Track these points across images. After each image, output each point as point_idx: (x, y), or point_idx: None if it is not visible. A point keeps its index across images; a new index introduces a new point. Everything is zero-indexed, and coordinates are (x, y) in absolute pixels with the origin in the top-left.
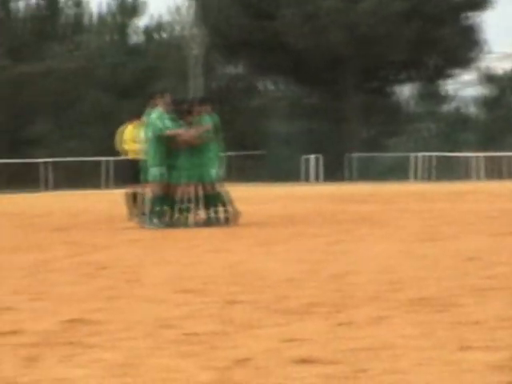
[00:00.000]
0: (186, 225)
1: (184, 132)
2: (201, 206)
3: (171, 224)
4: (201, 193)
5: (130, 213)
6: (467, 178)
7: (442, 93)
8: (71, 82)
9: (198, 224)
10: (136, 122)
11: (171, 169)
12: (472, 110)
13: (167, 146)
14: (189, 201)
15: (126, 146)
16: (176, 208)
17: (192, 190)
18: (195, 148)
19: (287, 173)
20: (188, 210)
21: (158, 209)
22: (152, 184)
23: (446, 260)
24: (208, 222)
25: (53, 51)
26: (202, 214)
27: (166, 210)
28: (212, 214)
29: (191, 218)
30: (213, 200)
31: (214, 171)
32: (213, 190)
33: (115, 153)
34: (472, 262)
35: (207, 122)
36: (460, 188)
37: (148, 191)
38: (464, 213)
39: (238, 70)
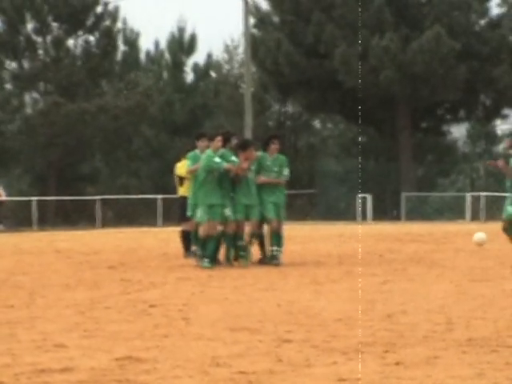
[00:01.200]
0: (244, 263)
1: (232, 166)
2: (269, 243)
3: (228, 263)
4: (268, 230)
5: (185, 250)
6: None
7: (496, 133)
8: (124, 120)
9: (256, 262)
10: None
11: (230, 206)
12: None
13: (220, 184)
14: (251, 238)
15: (180, 183)
16: (235, 246)
17: (255, 227)
18: (266, 186)
19: (339, 211)
20: (247, 248)
21: (210, 248)
22: (200, 223)
23: (499, 300)
24: (266, 261)
25: (106, 89)
26: (264, 251)
27: (220, 248)
28: (273, 253)
29: (250, 256)
30: (277, 239)
31: (284, 210)
32: (281, 230)
33: (168, 190)
34: None
35: (282, 160)
36: None
37: (199, 229)
38: None
39: (290, 108)
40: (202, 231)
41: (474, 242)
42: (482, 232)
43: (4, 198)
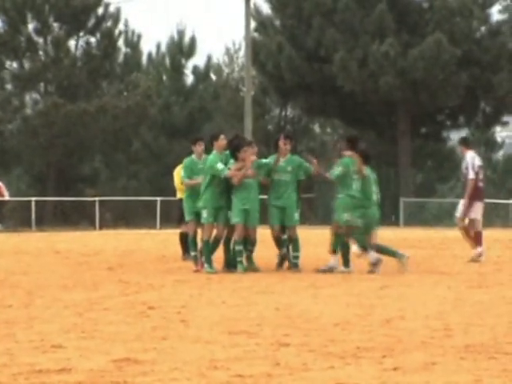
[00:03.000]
0: (252, 268)
1: (233, 174)
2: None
3: (232, 268)
4: (283, 236)
5: (183, 253)
6: None
7: (495, 139)
8: (124, 121)
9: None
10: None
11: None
12: None
13: (224, 188)
14: (253, 244)
15: (180, 186)
16: (244, 251)
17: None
18: (273, 190)
19: None
20: (251, 252)
21: (211, 253)
22: (205, 226)
23: (497, 307)
24: (280, 266)
25: (106, 90)
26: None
27: (221, 252)
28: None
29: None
30: (291, 243)
31: (297, 214)
32: (293, 234)
33: (166, 192)
34: None
35: (297, 160)
36: (510, 235)
37: (200, 233)
38: None
39: (290, 111)
40: (205, 234)
41: None
42: None
43: (7, 197)
